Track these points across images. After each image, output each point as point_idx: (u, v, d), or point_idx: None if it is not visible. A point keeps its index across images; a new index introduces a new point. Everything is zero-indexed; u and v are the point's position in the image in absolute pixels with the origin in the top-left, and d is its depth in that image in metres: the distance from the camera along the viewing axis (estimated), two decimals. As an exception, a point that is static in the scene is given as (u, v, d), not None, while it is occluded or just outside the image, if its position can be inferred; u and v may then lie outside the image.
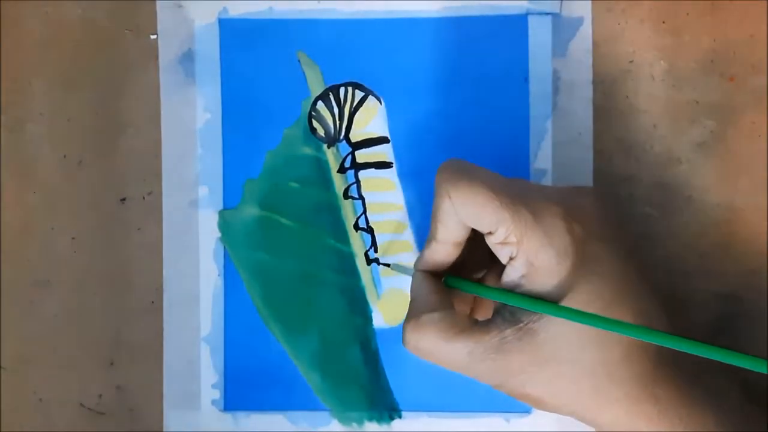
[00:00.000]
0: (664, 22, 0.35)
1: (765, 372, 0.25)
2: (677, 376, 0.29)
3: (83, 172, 0.36)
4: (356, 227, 0.36)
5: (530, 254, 0.28)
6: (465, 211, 0.28)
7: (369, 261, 0.36)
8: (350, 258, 0.36)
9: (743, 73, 0.35)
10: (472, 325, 0.29)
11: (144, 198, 0.36)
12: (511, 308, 0.28)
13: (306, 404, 0.35)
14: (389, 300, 0.35)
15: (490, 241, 0.29)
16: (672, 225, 0.35)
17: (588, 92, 0.35)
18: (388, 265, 0.35)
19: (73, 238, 0.36)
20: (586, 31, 0.35)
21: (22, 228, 0.36)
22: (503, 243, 0.28)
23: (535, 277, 0.28)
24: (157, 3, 0.36)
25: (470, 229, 0.29)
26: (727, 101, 0.35)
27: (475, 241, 0.30)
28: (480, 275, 0.32)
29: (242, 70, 0.36)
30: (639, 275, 0.29)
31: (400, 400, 0.35)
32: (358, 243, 0.36)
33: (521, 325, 0.28)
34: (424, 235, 0.35)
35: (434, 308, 0.29)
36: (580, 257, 0.28)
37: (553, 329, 0.28)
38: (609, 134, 0.35)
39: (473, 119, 0.35)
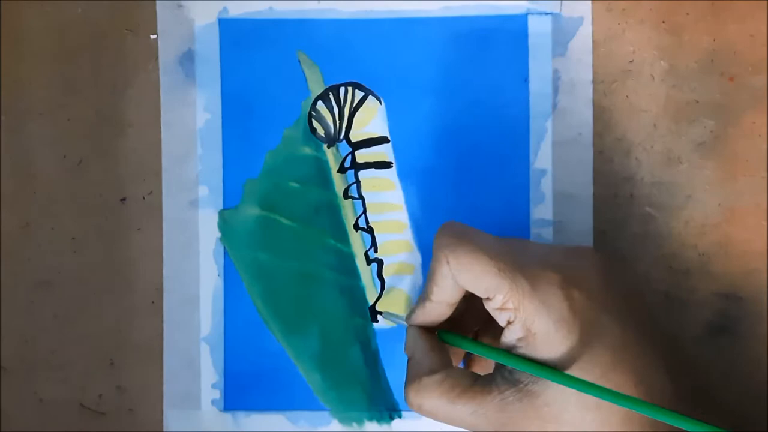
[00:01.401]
0: (664, 22, 0.35)
1: None
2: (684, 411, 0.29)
3: (83, 172, 0.36)
4: (356, 227, 0.36)
5: (527, 321, 0.28)
6: (463, 277, 0.29)
7: (369, 261, 0.36)
8: (350, 258, 0.36)
9: (743, 73, 0.35)
10: (473, 384, 0.29)
11: (144, 198, 0.36)
12: (510, 368, 0.28)
13: (306, 404, 0.35)
14: (389, 300, 0.35)
15: (488, 306, 0.29)
16: (672, 225, 0.35)
17: (588, 92, 0.35)
18: (380, 313, 0.35)
19: (73, 238, 0.36)
20: (586, 30, 0.35)
21: (22, 228, 0.36)
22: (501, 309, 0.28)
23: (532, 342, 0.28)
24: (157, 3, 0.36)
25: (465, 291, 0.30)
26: (727, 101, 0.35)
27: (471, 297, 0.30)
28: (475, 329, 0.33)
29: (242, 70, 0.36)
30: (643, 339, 0.29)
31: (400, 400, 0.35)
32: (358, 243, 0.36)
33: (521, 386, 0.28)
34: (424, 235, 0.35)
35: (434, 368, 0.30)
36: (578, 324, 0.28)
37: (552, 392, 0.28)
38: (609, 134, 0.35)
39: (473, 119, 0.35)
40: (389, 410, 0.35)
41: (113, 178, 0.36)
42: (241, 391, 0.36)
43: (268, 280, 0.36)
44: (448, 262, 0.29)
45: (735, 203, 0.35)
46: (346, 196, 0.36)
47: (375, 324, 0.35)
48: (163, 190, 0.36)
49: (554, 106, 0.35)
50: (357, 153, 0.36)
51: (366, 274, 0.36)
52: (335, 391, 0.35)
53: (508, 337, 0.29)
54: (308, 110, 0.36)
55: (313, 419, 0.35)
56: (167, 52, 0.36)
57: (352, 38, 0.35)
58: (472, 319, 0.32)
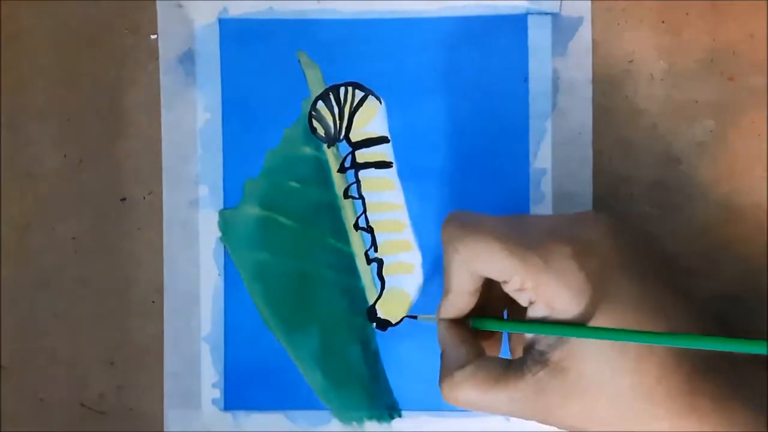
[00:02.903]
0: (664, 22, 0.35)
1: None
2: (714, 383, 0.29)
3: (83, 172, 0.36)
4: (356, 227, 0.36)
5: (547, 298, 0.28)
6: (476, 264, 0.29)
7: (369, 261, 0.36)
8: (350, 258, 0.36)
9: (743, 73, 0.35)
10: (506, 371, 0.29)
11: (144, 198, 0.36)
12: (539, 348, 0.28)
13: (306, 404, 0.35)
14: (389, 300, 0.35)
15: (507, 289, 0.29)
16: (672, 224, 0.35)
17: (588, 92, 0.35)
18: (415, 317, 0.35)
19: (73, 238, 0.36)
20: (586, 30, 0.35)
21: (22, 228, 0.36)
22: (520, 290, 0.28)
23: (556, 316, 0.28)
24: (157, 3, 0.36)
25: (483, 278, 0.30)
26: (727, 101, 0.35)
27: (492, 281, 0.30)
28: (504, 310, 0.33)
29: (242, 70, 0.36)
30: (663, 285, 0.29)
31: (400, 399, 0.35)
32: (358, 243, 0.36)
33: (552, 364, 0.28)
34: (424, 235, 0.35)
35: (465, 361, 0.30)
36: (597, 290, 0.28)
37: (583, 364, 0.28)
38: (609, 134, 0.35)
39: (473, 119, 0.35)
40: (389, 410, 0.35)
41: (113, 178, 0.36)
42: (241, 391, 0.36)
43: (268, 279, 0.36)
44: (458, 253, 0.29)
45: (735, 203, 0.35)
46: (346, 195, 0.36)
47: (379, 327, 0.36)
48: (163, 190, 0.36)
49: (554, 106, 0.35)
50: (357, 153, 0.36)
51: (366, 273, 0.36)
52: (335, 391, 0.35)
53: (533, 315, 0.29)
54: (308, 110, 0.36)
55: (313, 419, 0.35)
56: (167, 52, 0.36)
57: (352, 38, 0.35)
58: (499, 302, 0.32)
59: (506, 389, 0.29)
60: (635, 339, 0.27)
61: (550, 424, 0.29)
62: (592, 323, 0.27)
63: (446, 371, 0.30)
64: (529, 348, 0.29)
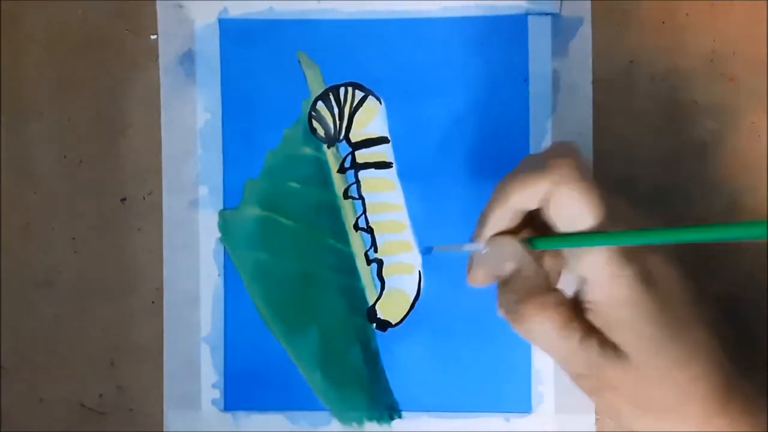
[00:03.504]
0: (664, 22, 0.35)
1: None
2: (748, 387, 0.29)
3: (83, 172, 0.36)
4: (356, 227, 0.36)
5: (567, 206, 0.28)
6: (561, 210, 0.28)
7: (369, 261, 0.36)
8: (350, 258, 0.36)
9: (743, 73, 0.35)
10: (575, 321, 0.28)
11: (144, 198, 0.36)
12: (604, 335, 0.28)
13: (306, 404, 0.36)
14: (389, 300, 0.36)
15: (568, 268, 0.29)
16: (672, 225, 0.35)
17: (588, 92, 0.35)
18: (429, 250, 0.35)
19: (73, 238, 0.36)
20: (586, 31, 0.35)
21: (22, 228, 0.36)
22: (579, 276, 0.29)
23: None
24: (157, 3, 0.36)
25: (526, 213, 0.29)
26: (727, 101, 0.35)
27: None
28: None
29: (242, 70, 0.36)
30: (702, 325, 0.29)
31: (400, 400, 0.35)
32: (357, 243, 0.36)
33: (616, 346, 0.28)
34: (424, 235, 0.35)
35: (546, 286, 0.29)
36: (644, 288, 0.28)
37: (642, 353, 0.28)
38: (609, 134, 0.35)
39: (473, 119, 0.35)
40: (389, 410, 0.35)
41: (113, 178, 0.36)
42: (241, 391, 0.36)
43: (268, 280, 0.36)
44: (555, 185, 0.28)
45: (735, 203, 0.35)
46: (346, 196, 0.36)
47: (379, 327, 0.36)
48: (163, 190, 0.36)
49: (554, 106, 0.35)
50: (357, 153, 0.36)
51: (366, 274, 0.36)
52: (335, 391, 0.35)
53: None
54: (308, 110, 0.36)
55: (313, 419, 0.35)
56: (167, 52, 0.36)
57: (352, 38, 0.35)
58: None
59: (581, 330, 0.28)
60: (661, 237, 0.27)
61: (593, 397, 0.30)
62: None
63: (528, 293, 0.28)
64: (594, 331, 0.29)
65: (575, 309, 0.29)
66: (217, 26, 0.36)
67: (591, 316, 0.28)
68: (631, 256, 0.28)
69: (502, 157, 0.35)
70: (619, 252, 0.27)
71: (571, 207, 0.28)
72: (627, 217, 0.29)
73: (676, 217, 0.35)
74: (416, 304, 0.35)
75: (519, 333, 0.29)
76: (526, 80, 0.35)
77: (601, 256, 0.27)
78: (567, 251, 0.29)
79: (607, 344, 0.28)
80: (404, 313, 0.35)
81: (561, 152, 0.29)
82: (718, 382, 0.29)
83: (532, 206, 0.29)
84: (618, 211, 0.29)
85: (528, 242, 0.29)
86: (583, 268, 0.28)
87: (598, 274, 0.28)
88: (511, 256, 0.29)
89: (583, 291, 0.29)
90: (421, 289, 0.35)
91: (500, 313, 0.29)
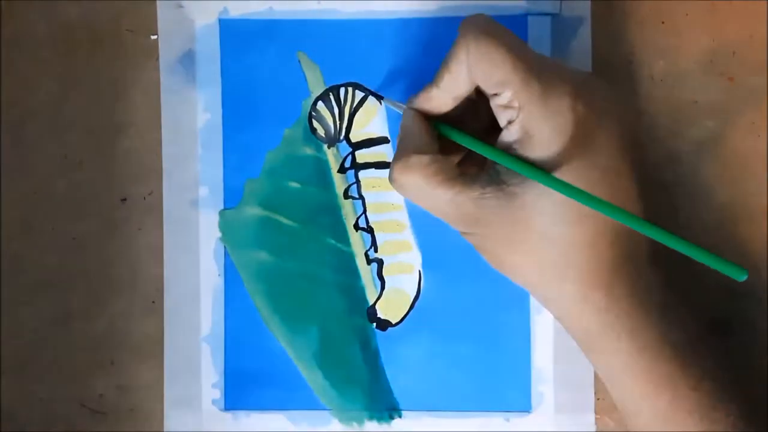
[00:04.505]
0: (663, 22, 0.35)
1: (740, 279, 0.26)
2: (638, 281, 0.29)
3: (83, 172, 0.36)
4: (356, 227, 0.36)
5: (528, 123, 0.28)
6: (478, 67, 0.29)
7: (369, 261, 0.36)
8: (350, 258, 0.36)
9: (743, 73, 0.35)
10: (457, 176, 0.30)
11: (144, 198, 0.36)
12: (497, 169, 0.29)
13: (306, 404, 0.36)
14: (389, 300, 0.36)
15: (494, 102, 0.29)
16: (672, 225, 0.35)
17: (588, 92, 0.35)
18: (381, 98, 0.35)
19: (73, 238, 0.36)
20: (586, 31, 0.35)
21: (22, 228, 0.36)
22: (506, 106, 0.29)
23: (527, 145, 0.28)
24: (157, 3, 0.36)
25: (473, 88, 0.30)
26: (727, 101, 0.35)
27: (473, 102, 0.31)
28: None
29: (242, 70, 0.36)
30: (631, 175, 0.30)
31: (400, 400, 0.35)
32: (358, 243, 0.36)
33: (503, 186, 0.29)
34: (424, 234, 0.35)
35: (424, 150, 0.30)
36: (576, 137, 0.28)
37: (531, 197, 0.28)
38: (609, 134, 0.35)
39: (473, 119, 0.35)
40: (389, 410, 0.35)
41: (113, 178, 0.36)
42: (241, 391, 0.36)
43: (268, 279, 0.36)
44: (467, 51, 0.29)
45: (735, 203, 0.35)
46: (346, 196, 0.36)
47: (379, 327, 0.36)
48: (163, 190, 0.36)
49: (554, 106, 0.35)
50: (357, 153, 0.36)
51: (366, 273, 0.36)
52: (335, 391, 0.35)
53: (505, 137, 0.29)
54: (308, 110, 0.36)
55: (313, 419, 0.35)
56: (167, 52, 0.36)
57: (352, 38, 0.35)
58: (468, 125, 0.32)
59: (452, 189, 0.29)
60: (583, 200, 0.27)
61: (471, 240, 0.30)
62: (556, 165, 0.28)
63: (402, 152, 0.30)
64: (487, 169, 0.29)
65: (456, 169, 0.30)
66: (217, 26, 0.36)
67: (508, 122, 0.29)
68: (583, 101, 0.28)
69: (502, 157, 0.35)
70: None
71: (483, 63, 0.29)
72: (548, 72, 0.29)
73: (676, 218, 0.35)
74: (416, 304, 0.35)
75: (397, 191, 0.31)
76: (526, 80, 0.35)
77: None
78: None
79: (494, 187, 0.29)
80: (404, 312, 0.35)
81: (466, 20, 0.30)
82: (605, 257, 0.29)
83: (462, 85, 0.30)
84: (545, 64, 0.29)
85: (437, 126, 0.31)
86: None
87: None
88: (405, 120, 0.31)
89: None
90: (421, 289, 0.35)
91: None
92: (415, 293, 0.35)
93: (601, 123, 0.29)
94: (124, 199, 0.36)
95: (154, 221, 0.36)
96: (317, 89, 0.36)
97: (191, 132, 0.36)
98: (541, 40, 0.35)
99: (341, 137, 0.36)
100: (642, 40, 0.35)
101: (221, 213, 0.36)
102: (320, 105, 0.36)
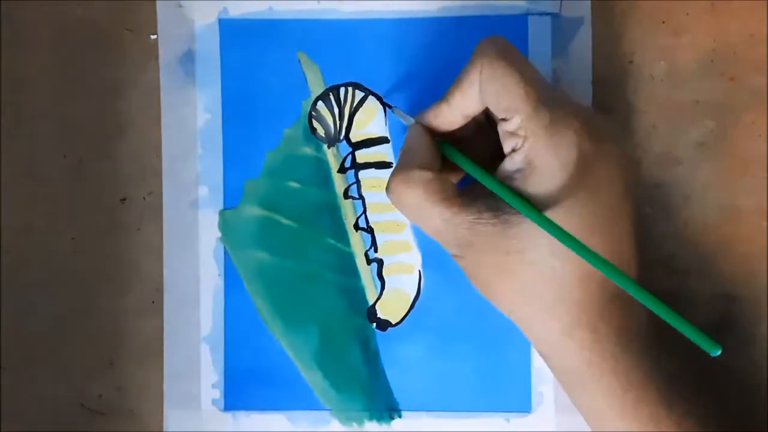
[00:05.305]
0: (663, 22, 0.35)
1: (713, 354, 0.26)
2: (627, 324, 0.29)
3: (83, 172, 0.36)
4: (356, 227, 0.36)
5: (533, 153, 0.28)
6: (490, 89, 0.29)
7: (369, 261, 0.36)
8: (350, 258, 0.36)
9: (743, 73, 0.35)
10: (456, 196, 0.29)
11: (144, 198, 0.36)
12: (496, 196, 0.29)
13: (306, 404, 0.36)
14: (389, 300, 0.35)
15: (501, 127, 0.29)
16: (672, 225, 0.35)
17: (588, 92, 0.35)
18: (390, 106, 0.35)
19: (73, 238, 0.36)
20: (586, 31, 0.35)
21: (23, 228, 0.36)
22: (512, 133, 0.28)
23: (529, 176, 0.28)
24: (157, 3, 0.36)
25: (483, 110, 0.30)
26: (727, 101, 0.35)
27: (482, 129, 0.30)
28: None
29: (242, 70, 0.36)
30: (628, 220, 0.29)
31: (400, 400, 0.35)
32: (358, 243, 0.36)
33: (500, 213, 0.28)
34: (424, 235, 0.35)
35: (426, 166, 0.30)
36: (578, 174, 0.28)
37: (526, 228, 0.28)
38: (609, 134, 0.35)
39: (473, 119, 0.35)
40: (389, 410, 0.35)
41: (113, 178, 0.36)
42: (241, 391, 0.36)
43: (268, 279, 0.36)
44: (481, 71, 0.29)
45: (735, 203, 0.35)
46: (346, 196, 0.36)
47: (379, 327, 0.36)
48: (163, 190, 0.36)
49: (554, 106, 0.35)
50: (357, 153, 0.36)
51: (366, 274, 0.36)
52: (335, 391, 0.35)
53: (508, 166, 0.29)
54: (308, 110, 0.36)
55: (313, 419, 0.35)
56: (167, 52, 0.36)
57: (352, 38, 0.35)
58: (473, 151, 0.32)
59: (449, 209, 0.29)
60: (573, 247, 0.27)
61: (461, 264, 0.30)
62: (554, 202, 0.28)
63: (404, 166, 0.30)
64: (487, 193, 0.29)
65: (456, 189, 0.30)
66: (217, 26, 0.36)
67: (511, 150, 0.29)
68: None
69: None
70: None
71: (494, 85, 0.28)
72: (557, 104, 0.29)
73: (676, 217, 0.35)
74: (416, 304, 0.35)
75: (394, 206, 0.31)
76: (526, 80, 0.35)
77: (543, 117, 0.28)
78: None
79: (491, 214, 0.28)
80: (404, 312, 0.35)
81: (484, 41, 0.29)
82: (594, 297, 0.28)
83: (472, 104, 0.30)
84: (555, 97, 0.29)
85: (441, 145, 0.31)
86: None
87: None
88: (410, 133, 0.31)
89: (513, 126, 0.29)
90: (421, 289, 0.35)
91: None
92: (415, 293, 0.35)
93: (604, 163, 0.29)
94: (124, 199, 0.36)
95: (153, 221, 0.36)
96: (317, 89, 0.36)
97: (191, 132, 0.36)
98: (541, 40, 0.35)
99: (341, 137, 0.36)
100: (642, 40, 0.35)
101: (221, 213, 0.36)
102: (320, 105, 0.36)
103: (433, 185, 0.29)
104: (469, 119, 0.31)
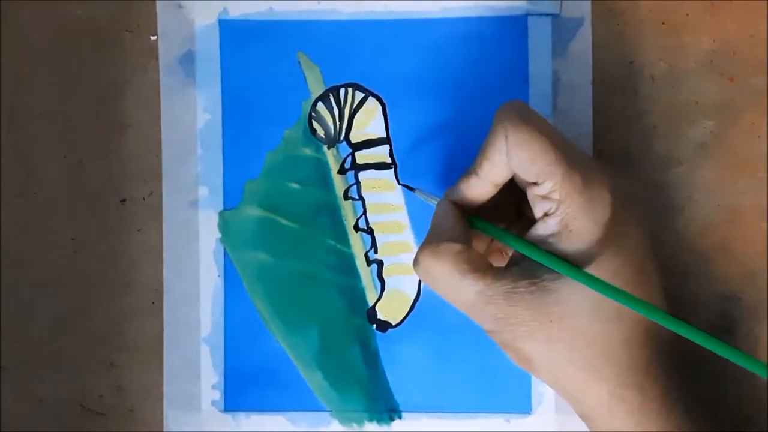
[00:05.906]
0: (664, 23, 0.35)
1: (765, 376, 0.25)
2: (671, 375, 0.29)
3: (83, 172, 0.36)
4: (356, 228, 0.36)
5: (569, 217, 0.28)
6: (519, 155, 0.28)
7: (369, 262, 0.36)
8: (350, 259, 0.36)
9: (743, 73, 0.35)
10: (488, 267, 0.29)
11: (144, 198, 0.36)
12: (531, 263, 0.28)
13: (306, 404, 0.36)
14: (389, 301, 0.36)
15: (532, 192, 0.29)
16: (672, 225, 0.35)
17: (588, 93, 0.35)
18: (412, 189, 0.35)
19: (73, 239, 0.36)
20: (586, 31, 0.35)
21: (22, 228, 0.36)
22: (545, 197, 0.28)
23: (566, 239, 0.28)
24: (157, 3, 0.36)
25: (512, 174, 0.29)
26: (727, 101, 0.35)
27: (505, 192, 0.30)
28: (501, 227, 0.32)
29: (242, 70, 0.36)
30: (657, 273, 0.30)
31: (400, 400, 0.35)
32: (358, 244, 0.36)
33: (537, 280, 0.28)
34: (424, 235, 0.35)
35: (455, 239, 0.29)
36: (611, 231, 0.28)
37: (567, 293, 0.28)
38: (609, 134, 0.35)
39: (473, 120, 0.35)
40: (389, 411, 0.35)
41: (113, 178, 0.36)
42: (241, 392, 0.36)
43: (268, 280, 0.36)
44: (506, 138, 0.28)
45: (735, 204, 0.35)
46: (346, 197, 0.36)
47: (379, 328, 0.36)
48: (163, 191, 0.36)
49: (554, 106, 0.35)
50: (357, 154, 0.36)
51: (366, 275, 0.36)
52: (335, 392, 0.35)
53: (541, 230, 0.28)
54: (308, 111, 0.36)
55: (313, 420, 0.35)
56: (167, 53, 0.36)
57: (352, 39, 0.35)
58: (498, 215, 0.31)
59: (482, 280, 0.28)
60: (625, 302, 0.27)
61: (499, 340, 0.29)
62: (593, 261, 0.27)
63: (432, 239, 0.29)
64: (519, 261, 0.29)
65: (487, 261, 0.29)
66: (217, 27, 0.36)
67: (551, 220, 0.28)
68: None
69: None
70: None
71: (523, 151, 0.28)
72: (585, 164, 0.28)
73: (676, 217, 0.35)
74: (416, 305, 0.35)
75: (422, 278, 0.30)
76: (526, 80, 0.35)
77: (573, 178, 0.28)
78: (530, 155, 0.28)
79: (528, 281, 0.28)
80: (404, 314, 0.35)
81: (503, 107, 0.29)
82: (639, 356, 0.28)
83: (502, 172, 0.29)
84: (580, 157, 0.29)
85: (469, 219, 0.31)
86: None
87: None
88: (438, 210, 0.31)
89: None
90: (421, 290, 0.35)
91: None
92: (415, 294, 0.35)
93: (632, 218, 0.29)
94: (124, 200, 0.36)
95: (153, 222, 0.36)
96: (317, 90, 0.36)
97: (191, 132, 0.36)
98: (541, 41, 0.35)
99: (341, 138, 0.36)
100: (642, 40, 0.35)
101: (221, 214, 0.36)
102: (320, 106, 0.35)
103: (463, 256, 0.29)
104: (498, 188, 0.30)
